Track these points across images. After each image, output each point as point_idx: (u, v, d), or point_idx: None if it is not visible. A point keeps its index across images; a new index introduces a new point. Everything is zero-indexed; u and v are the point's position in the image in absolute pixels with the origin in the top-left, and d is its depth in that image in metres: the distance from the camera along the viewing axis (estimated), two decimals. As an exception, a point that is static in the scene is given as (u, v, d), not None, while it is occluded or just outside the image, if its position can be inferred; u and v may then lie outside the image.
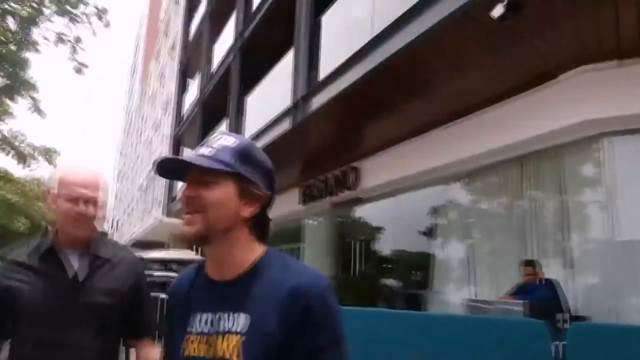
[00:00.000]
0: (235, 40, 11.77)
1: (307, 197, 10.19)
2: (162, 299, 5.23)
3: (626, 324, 4.20)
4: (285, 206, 10.97)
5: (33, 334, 1.53)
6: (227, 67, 12.26)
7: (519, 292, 5.07)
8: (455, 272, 6.77)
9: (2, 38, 10.20)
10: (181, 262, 9.65)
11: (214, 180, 1.01)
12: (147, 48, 46.59)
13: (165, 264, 10.04)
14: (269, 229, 1.11)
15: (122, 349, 1.79)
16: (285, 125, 8.05)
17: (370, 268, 9.14)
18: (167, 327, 1.14)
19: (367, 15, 6.20)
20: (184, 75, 19.70)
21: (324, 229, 10.63)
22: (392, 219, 8.45)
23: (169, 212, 18.80)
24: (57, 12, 10.58)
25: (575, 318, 4.51)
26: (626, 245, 4.75)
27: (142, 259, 1.68)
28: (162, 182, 21.13)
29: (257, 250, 1.06)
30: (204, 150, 1.04)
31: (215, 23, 14.42)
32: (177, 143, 18.87)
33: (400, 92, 6.06)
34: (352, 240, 9.58)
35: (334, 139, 8.14)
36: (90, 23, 10.93)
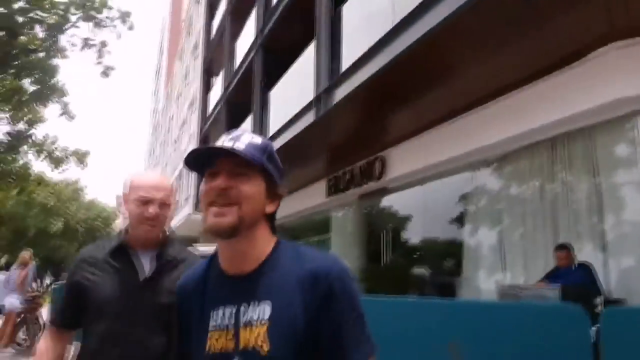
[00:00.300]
0: (257, 36, 11.82)
1: (334, 189, 10.20)
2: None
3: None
4: (312, 199, 11.01)
5: (99, 329, 1.61)
6: (249, 63, 12.33)
7: (553, 277, 4.98)
8: (486, 259, 6.69)
9: (32, 46, 10.50)
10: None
11: (247, 173, 1.03)
12: (171, 48, 47.23)
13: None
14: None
15: None
16: (309, 118, 8.06)
17: (399, 257, 9.10)
18: (178, 325, 1.15)
19: (387, 2, 6.14)
20: (208, 73, 19.92)
21: (351, 220, 10.63)
22: (420, 208, 8.39)
23: (198, 208, 19.13)
24: (82, 18, 10.83)
25: (610, 302, 4.40)
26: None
27: (202, 257, 1.74)
28: (192, 178, 21.47)
29: (272, 242, 1.09)
30: (237, 144, 1.04)
31: (236, 20, 14.51)
32: (205, 141, 19.13)
33: (425, 79, 5.99)
34: (380, 230, 9.55)
35: (359, 129, 8.11)
36: (114, 27, 11.17)
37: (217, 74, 18.24)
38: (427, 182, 8.01)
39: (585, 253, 5.18)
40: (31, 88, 11.08)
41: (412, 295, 7.56)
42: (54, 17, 10.54)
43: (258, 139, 1.08)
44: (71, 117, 11.25)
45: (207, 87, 19.57)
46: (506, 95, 5.89)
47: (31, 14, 10.03)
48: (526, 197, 6.20)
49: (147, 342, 1.59)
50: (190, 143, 24.73)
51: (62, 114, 11.26)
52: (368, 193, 9.31)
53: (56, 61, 11.08)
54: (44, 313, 8.11)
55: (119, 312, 1.60)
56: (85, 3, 10.54)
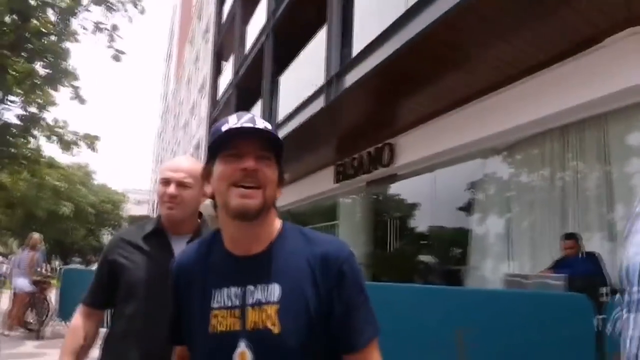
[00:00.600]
0: (268, 20, 11.75)
1: (342, 175, 10.20)
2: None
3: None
4: (320, 185, 11.02)
5: (128, 310, 1.65)
6: (260, 48, 12.28)
7: (560, 266, 4.96)
8: (493, 247, 6.67)
9: (44, 30, 10.54)
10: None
11: (270, 157, 1.04)
12: (182, 33, 47.14)
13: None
14: None
15: None
16: (319, 104, 8.03)
17: (406, 245, 9.11)
18: (174, 305, 1.13)
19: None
20: (218, 57, 19.87)
21: (359, 207, 10.64)
22: (428, 195, 8.36)
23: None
24: (93, 1, 10.84)
25: (616, 292, 4.38)
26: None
27: None
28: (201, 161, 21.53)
29: (278, 225, 1.10)
30: (261, 124, 1.03)
31: (247, 4, 14.41)
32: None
33: (436, 65, 5.92)
34: (388, 217, 9.55)
35: (368, 115, 8.07)
36: (126, 10, 11.18)
37: (227, 59, 18.19)
38: (436, 170, 7.97)
39: (594, 242, 5.14)
40: (43, 72, 11.16)
41: (418, 282, 7.58)
42: (66, 0, 10.56)
43: (269, 125, 1.08)
44: (82, 101, 11.33)
45: (217, 71, 19.54)
46: (519, 82, 5.81)
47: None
48: (536, 186, 6.16)
49: None
50: (199, 127, 24.80)
51: (73, 98, 11.34)
52: (376, 180, 9.30)
53: (68, 45, 11.14)
54: (53, 296, 8.25)
55: (147, 294, 1.63)
56: (96, -14, 10.55)
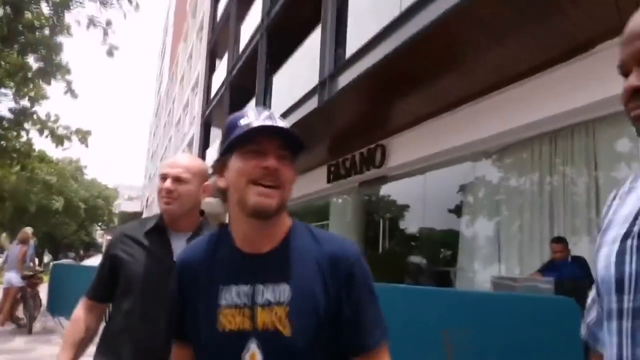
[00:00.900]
0: (262, 19, 11.74)
1: (334, 175, 10.22)
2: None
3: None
4: (312, 184, 11.04)
5: (126, 306, 1.66)
6: (254, 46, 12.26)
7: (548, 269, 5.01)
8: (482, 250, 6.73)
9: (37, 23, 10.45)
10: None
11: (289, 157, 1.03)
12: (176, 30, 46.86)
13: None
14: None
15: None
16: (313, 104, 8.05)
17: (396, 246, 9.16)
18: (178, 300, 1.10)
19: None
20: (212, 55, 19.81)
21: (350, 207, 10.67)
22: (419, 197, 8.42)
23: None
24: (88, -4, 10.75)
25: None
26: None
27: None
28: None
29: (288, 223, 1.10)
30: (281, 122, 1.03)
31: (242, 2, 14.38)
32: (207, 124, 19.11)
33: (429, 68, 5.96)
34: (379, 218, 9.59)
35: (362, 117, 8.10)
36: (120, 6, 11.09)
37: (221, 57, 18.14)
38: (427, 172, 8.03)
39: (582, 247, 5.20)
40: (35, 65, 11.07)
41: (408, 283, 7.62)
42: (60, -7, 10.47)
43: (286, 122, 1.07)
44: (75, 96, 11.24)
45: (211, 69, 19.48)
46: (510, 87, 5.87)
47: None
48: (525, 190, 6.22)
49: None
50: (192, 125, 24.70)
51: (66, 92, 11.25)
52: (368, 180, 9.34)
53: (61, 39, 11.04)
54: (43, 291, 8.18)
55: (145, 290, 1.63)
56: (91, -19, 10.47)
